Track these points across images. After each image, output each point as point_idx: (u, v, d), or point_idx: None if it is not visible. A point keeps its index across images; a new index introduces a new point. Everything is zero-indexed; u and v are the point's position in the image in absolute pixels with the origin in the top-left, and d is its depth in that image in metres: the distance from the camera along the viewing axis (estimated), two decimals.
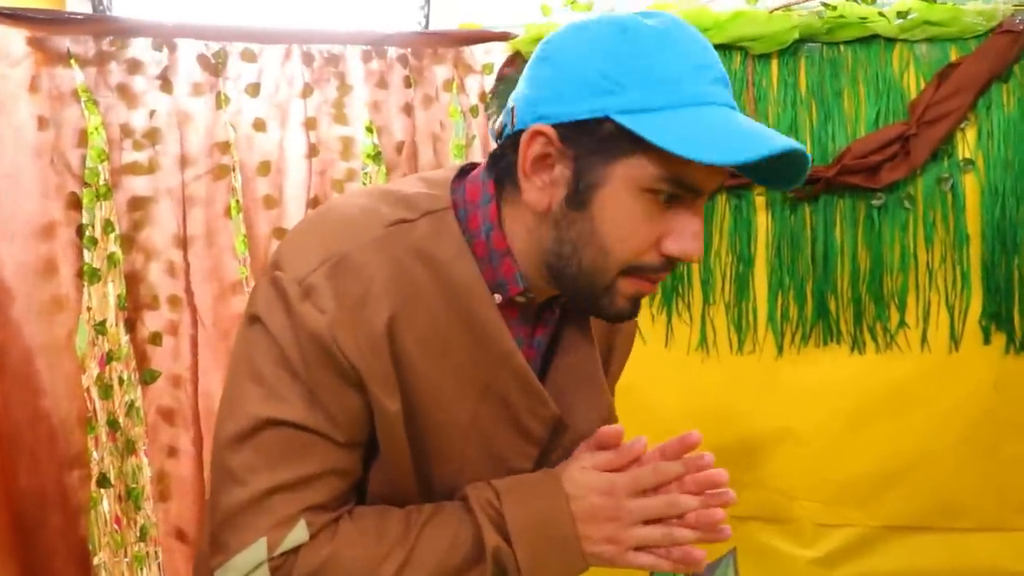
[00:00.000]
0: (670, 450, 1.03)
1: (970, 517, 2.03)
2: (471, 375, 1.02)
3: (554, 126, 0.94)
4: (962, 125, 2.00)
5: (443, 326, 0.99)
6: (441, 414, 1.01)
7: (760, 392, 2.06)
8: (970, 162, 1.99)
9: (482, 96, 2.13)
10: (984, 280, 2.00)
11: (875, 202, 2.01)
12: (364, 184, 2.12)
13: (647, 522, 1.02)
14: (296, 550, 0.96)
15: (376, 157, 2.10)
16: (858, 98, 2.04)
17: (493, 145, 1.07)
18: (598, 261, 0.96)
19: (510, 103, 1.01)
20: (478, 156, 2.17)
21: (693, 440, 1.02)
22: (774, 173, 0.98)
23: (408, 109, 2.07)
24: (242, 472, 0.96)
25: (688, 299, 2.07)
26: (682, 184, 0.93)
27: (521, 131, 0.96)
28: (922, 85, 2.01)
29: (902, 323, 2.02)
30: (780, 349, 2.06)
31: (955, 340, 2.01)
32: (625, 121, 0.90)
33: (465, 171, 1.07)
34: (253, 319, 0.98)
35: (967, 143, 2.00)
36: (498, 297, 1.02)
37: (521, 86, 1.00)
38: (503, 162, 1.00)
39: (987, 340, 2.00)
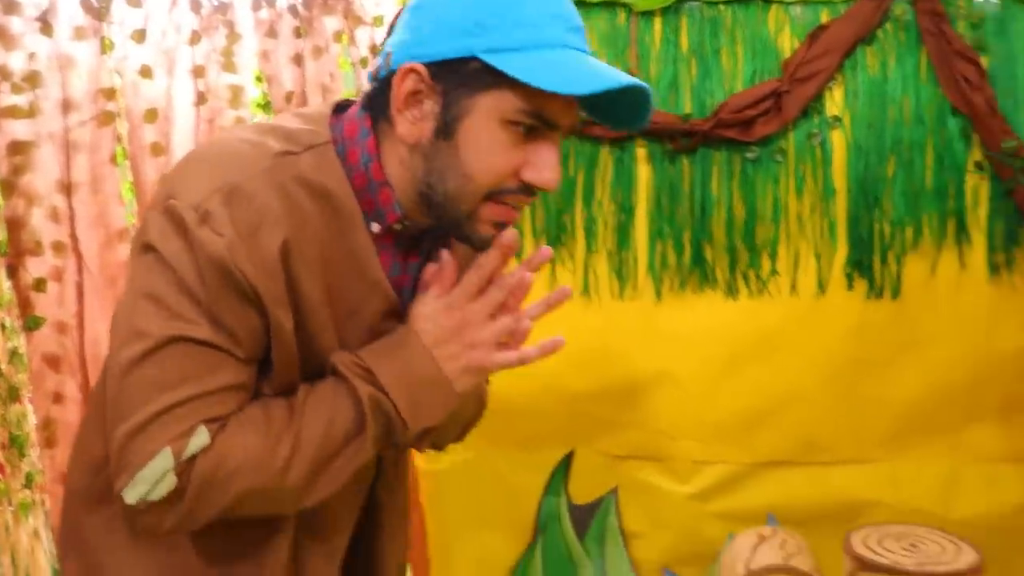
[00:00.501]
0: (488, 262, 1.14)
1: (832, 452, 2.16)
2: (346, 297, 1.10)
3: (425, 65, 1.02)
4: (830, 84, 2.10)
5: (326, 252, 1.07)
6: (323, 333, 1.09)
7: (640, 336, 2.14)
8: (837, 119, 2.10)
9: (372, 48, 2.17)
10: (849, 231, 2.11)
11: (749, 155, 2.11)
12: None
13: (496, 320, 1.12)
14: (195, 456, 1.01)
15: (266, 107, 2.12)
16: (736, 56, 2.13)
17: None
18: (463, 187, 1.05)
19: (386, 49, 1.08)
20: None
21: (508, 240, 1.13)
22: (622, 114, 1.08)
23: (298, 59, 2.09)
24: (145, 390, 1.01)
25: (571, 247, 2.14)
26: (540, 117, 1.02)
27: (395, 72, 1.04)
28: (795, 45, 2.11)
29: (773, 270, 2.13)
30: (659, 295, 2.15)
31: (821, 286, 2.13)
32: (489, 59, 1.01)
33: (340, 109, 1.14)
34: (146, 248, 1.03)
35: (835, 101, 2.11)
36: (376, 226, 1.11)
37: (396, 33, 1.08)
38: (378, 100, 1.09)
39: (850, 286, 2.12)
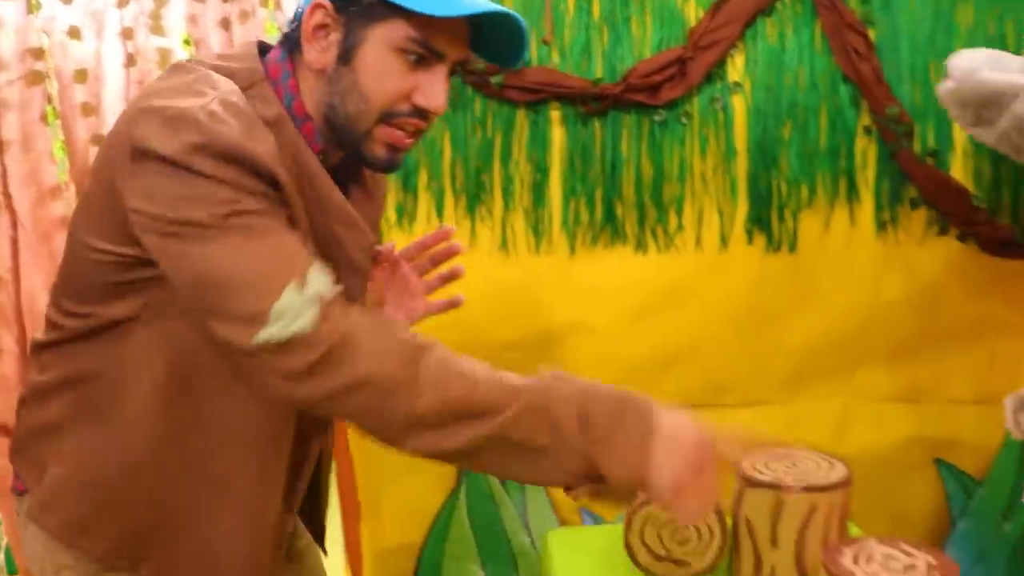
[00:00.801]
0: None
1: (736, 394, 2.32)
2: (311, 216, 1.20)
3: (331, 1, 1.15)
4: (732, 52, 2.23)
5: (291, 175, 1.17)
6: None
7: (555, 289, 2.27)
8: (738, 85, 2.24)
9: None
10: (749, 189, 2.26)
11: (656, 118, 2.24)
12: None
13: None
14: (333, 304, 1.07)
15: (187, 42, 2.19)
16: (644, 25, 2.25)
17: None
18: (360, 107, 1.18)
19: None
20: None
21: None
22: (502, 52, 1.22)
23: (225, 23, 2.16)
24: (230, 255, 1.06)
25: (490, 205, 2.26)
26: (426, 46, 1.17)
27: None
28: (700, 15, 2.24)
29: (679, 226, 2.27)
30: (573, 250, 2.28)
31: (724, 240, 2.28)
32: None
33: (261, 51, 1.25)
34: (146, 154, 1.07)
35: (736, 68, 2.25)
36: None
37: None
38: (293, 37, 1.22)
39: (751, 241, 2.27)
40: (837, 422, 2.35)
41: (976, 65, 1.78)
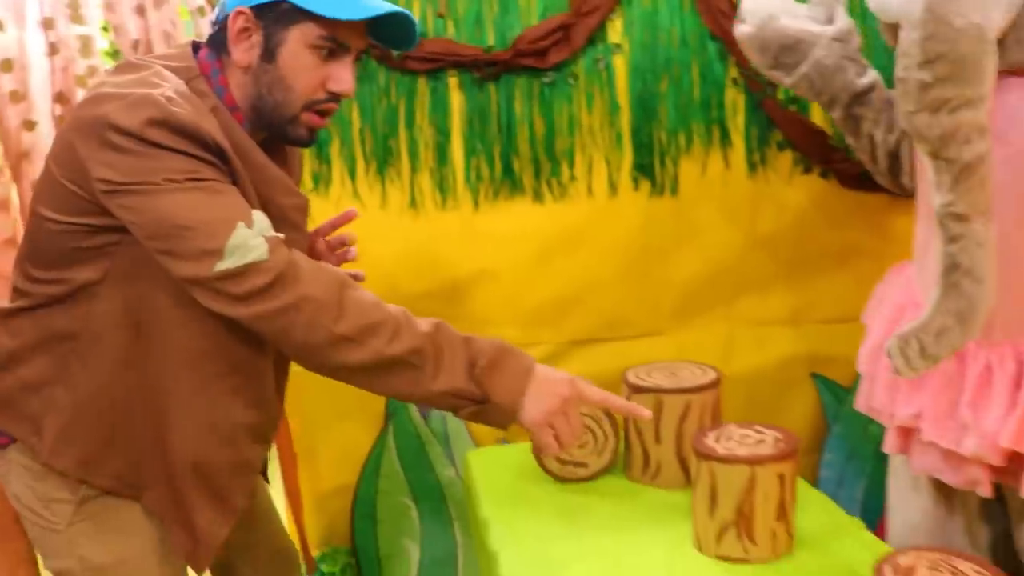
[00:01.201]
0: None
1: (631, 327, 2.57)
2: (254, 185, 1.42)
3: (250, 8, 1.38)
4: (611, 16, 2.45)
5: (236, 153, 1.39)
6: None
7: (462, 240, 2.48)
8: (618, 46, 2.46)
9: None
10: (632, 140, 2.49)
11: (545, 80, 2.46)
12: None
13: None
14: (280, 242, 1.31)
15: (114, 55, 2.35)
16: None
17: None
18: (285, 97, 1.40)
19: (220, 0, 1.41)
20: None
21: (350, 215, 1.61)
22: (398, 39, 1.44)
23: (140, 9, 2.32)
24: (188, 204, 1.28)
25: (398, 167, 2.46)
26: (335, 41, 1.39)
27: (229, 15, 1.40)
28: None
29: (572, 177, 2.50)
30: (476, 204, 2.49)
31: (613, 188, 2.51)
32: (295, 1, 1.36)
33: (195, 49, 1.46)
34: (104, 127, 1.28)
35: (616, 30, 2.46)
36: None
37: None
38: (219, 39, 1.43)
39: (636, 187, 2.51)
40: (723, 346, 2.60)
41: (772, 11, 1.95)
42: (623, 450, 2.03)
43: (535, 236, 2.51)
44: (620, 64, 2.47)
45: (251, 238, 1.28)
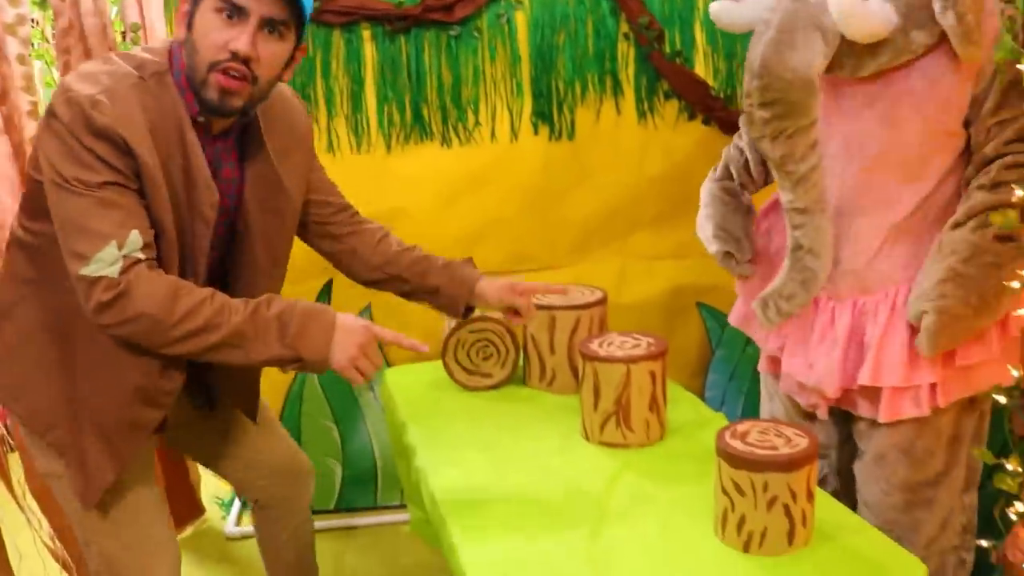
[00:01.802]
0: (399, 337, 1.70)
1: (533, 262, 2.80)
2: (178, 173, 1.60)
3: None
4: None
5: (165, 146, 1.57)
6: (162, 186, 1.58)
7: (376, 183, 2.68)
8: (519, 2, 2.67)
9: None
10: (532, 89, 2.71)
11: (452, 33, 2.66)
12: (34, 26, 2.49)
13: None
14: (137, 262, 1.51)
15: (42, 4, 2.47)
16: None
17: None
18: (195, 59, 1.57)
19: None
20: (132, 5, 2.61)
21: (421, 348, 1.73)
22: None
23: None
24: (86, 211, 1.49)
25: (316, 114, 2.64)
26: (232, 4, 1.53)
27: None
28: None
29: (476, 123, 2.72)
30: (389, 148, 2.70)
31: (515, 133, 2.73)
32: None
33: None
34: (51, 115, 1.50)
35: None
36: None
37: None
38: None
39: (536, 132, 2.74)
40: (617, 278, 2.86)
41: None
42: (523, 362, 2.29)
43: (443, 177, 2.72)
44: (521, 19, 2.68)
45: (114, 257, 1.49)
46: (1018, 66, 1.30)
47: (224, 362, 1.62)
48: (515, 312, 2.03)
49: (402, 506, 2.89)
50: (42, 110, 2.49)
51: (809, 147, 1.73)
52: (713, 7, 1.87)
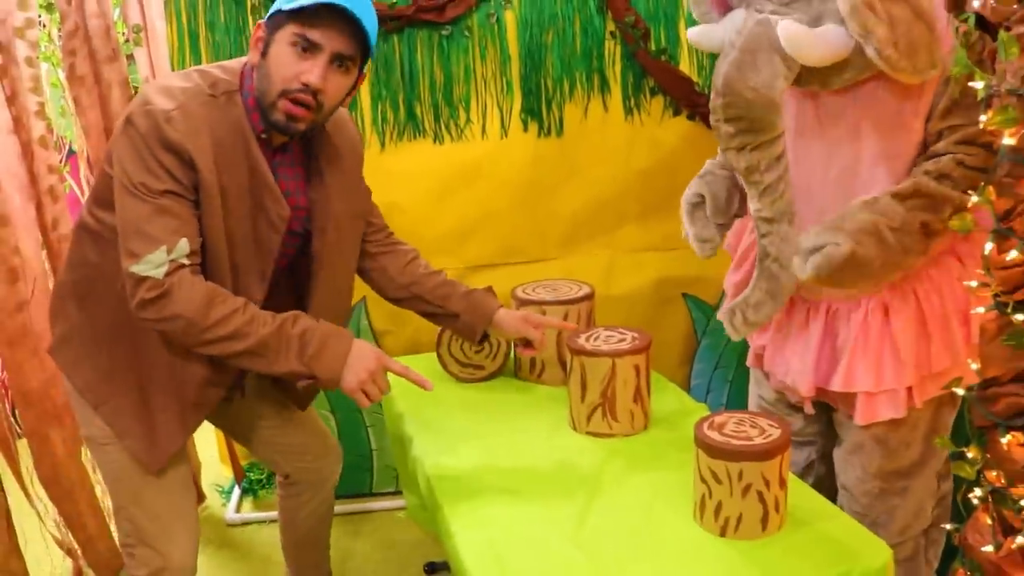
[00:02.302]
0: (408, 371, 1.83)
1: (523, 254, 2.89)
2: (243, 183, 1.74)
3: (264, 21, 1.72)
4: None
5: (232, 158, 1.71)
6: (217, 198, 1.72)
7: (371, 179, 2.66)
8: (508, 1, 2.75)
9: None
10: (522, 86, 2.79)
11: (444, 33, 2.74)
12: (41, 28, 2.56)
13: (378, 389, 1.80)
14: (181, 267, 1.66)
15: (49, 7, 2.54)
16: None
17: None
18: (267, 85, 1.71)
19: None
20: (134, 6, 2.68)
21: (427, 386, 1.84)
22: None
23: None
24: (145, 215, 1.65)
25: None
26: (305, 39, 1.67)
27: None
28: None
29: (468, 120, 2.80)
30: (383, 145, 2.78)
31: (505, 130, 2.82)
32: (283, 7, 1.68)
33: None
34: (128, 122, 1.65)
35: None
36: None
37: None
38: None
39: (525, 129, 2.82)
40: (605, 270, 2.95)
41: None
42: (513, 354, 2.38)
43: (436, 173, 2.81)
44: (510, 18, 2.76)
45: (162, 260, 1.64)
46: (971, 84, 1.38)
47: (246, 368, 1.78)
48: (528, 344, 2.14)
49: (397, 492, 2.99)
50: (48, 110, 2.57)
51: (774, 159, 1.82)
52: (691, 32, 1.96)
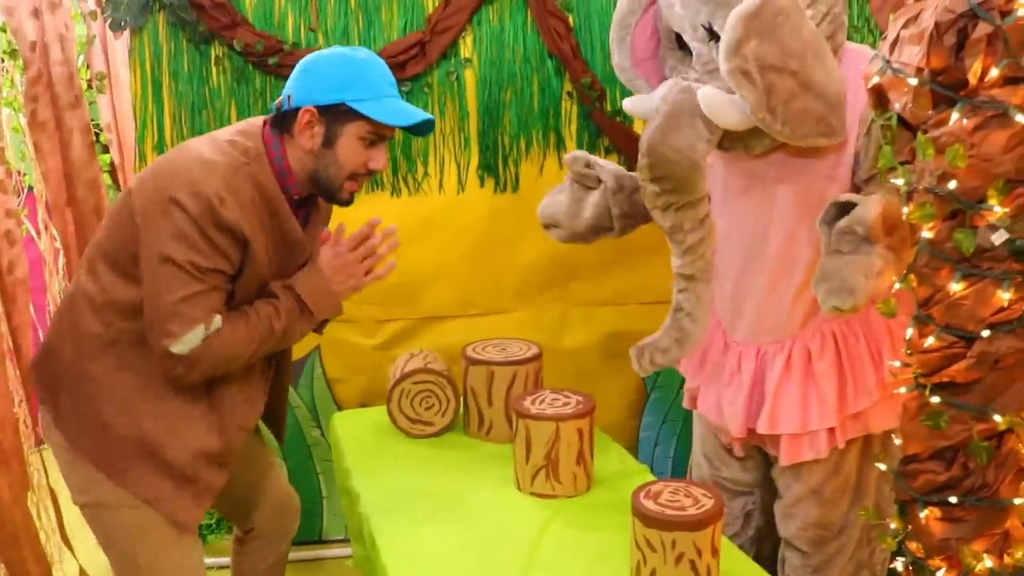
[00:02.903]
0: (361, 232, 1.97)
1: (478, 306, 2.94)
2: (276, 241, 1.84)
3: (315, 106, 1.81)
4: (462, 34, 2.81)
5: (268, 220, 1.82)
6: (264, 267, 1.83)
7: (330, 229, 2.80)
8: (468, 60, 2.82)
9: (98, 2, 2.65)
10: (479, 143, 2.85)
11: (404, 89, 2.79)
12: (4, 74, 2.59)
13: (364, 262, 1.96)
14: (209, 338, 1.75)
15: (13, 54, 2.57)
16: (392, 12, 2.78)
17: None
18: (337, 173, 1.85)
19: (287, 92, 1.86)
20: (99, 55, 2.72)
21: (374, 222, 1.97)
22: (420, 128, 1.89)
23: (37, 13, 2.54)
24: (178, 281, 1.72)
25: None
26: (377, 134, 1.83)
27: (296, 109, 1.83)
28: (436, 4, 2.79)
29: (426, 174, 2.86)
30: None
31: (462, 184, 2.87)
32: (353, 104, 1.80)
33: (265, 122, 1.88)
34: (173, 202, 1.71)
35: (467, 47, 2.82)
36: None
37: (293, 83, 1.86)
38: (283, 122, 1.86)
39: (482, 184, 2.88)
40: (558, 324, 3.01)
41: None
42: (463, 411, 2.43)
43: (393, 225, 2.84)
44: (470, 76, 2.83)
45: (199, 339, 1.73)
46: (892, 180, 1.47)
47: (275, 348, 1.91)
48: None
49: (346, 540, 3.01)
50: (9, 155, 2.59)
51: (698, 221, 1.92)
52: (626, 102, 2.07)
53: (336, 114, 1.81)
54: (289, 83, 1.87)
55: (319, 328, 1.99)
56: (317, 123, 1.82)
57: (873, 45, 2.60)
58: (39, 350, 1.94)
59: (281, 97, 1.88)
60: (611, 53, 2.15)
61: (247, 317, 1.82)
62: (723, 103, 1.81)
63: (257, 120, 1.92)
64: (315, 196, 1.96)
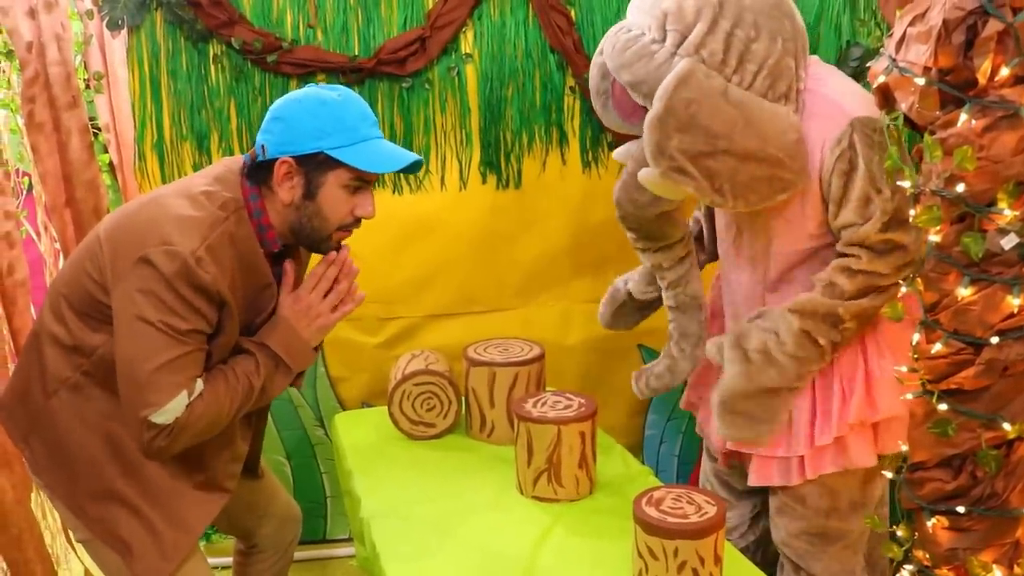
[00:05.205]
0: (315, 272, 1.85)
1: (481, 303, 2.92)
2: (251, 294, 1.76)
3: (292, 157, 1.71)
4: (463, 29, 2.77)
5: (245, 273, 1.74)
6: (239, 318, 1.75)
7: None
8: (469, 56, 2.79)
9: (95, 1, 2.62)
10: (481, 139, 2.82)
11: (404, 85, 2.77)
12: (0, 74, 2.56)
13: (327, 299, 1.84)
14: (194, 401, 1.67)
15: (9, 55, 2.54)
16: (392, 8, 2.75)
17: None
18: (322, 225, 1.76)
19: (260, 142, 1.76)
20: (96, 54, 2.69)
21: (330, 259, 1.84)
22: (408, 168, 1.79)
23: (33, 13, 2.51)
24: (157, 350, 1.62)
25: None
26: (361, 179, 1.75)
27: (273, 160, 1.73)
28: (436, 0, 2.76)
29: (427, 171, 2.83)
30: None
31: (463, 181, 2.85)
32: (332, 153, 1.71)
33: (242, 171, 1.79)
34: (145, 262, 1.61)
35: (467, 42, 2.79)
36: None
37: (266, 133, 1.75)
38: (261, 175, 1.76)
39: (484, 180, 2.85)
40: (561, 321, 2.98)
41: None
42: (464, 413, 2.40)
43: (395, 223, 2.82)
44: (471, 72, 2.79)
45: (181, 407, 1.63)
46: (899, 183, 1.44)
47: (256, 405, 1.83)
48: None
49: (350, 539, 2.99)
50: (7, 155, 2.57)
51: (676, 260, 2.03)
52: (615, 152, 2.10)
53: (315, 163, 1.72)
54: (262, 132, 1.78)
55: (295, 381, 1.89)
56: (296, 174, 1.73)
57: (880, 40, 2.56)
58: (6, 390, 1.87)
59: (255, 147, 1.79)
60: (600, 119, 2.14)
61: (225, 377, 1.72)
62: (658, 180, 1.83)
63: (234, 164, 1.82)
64: (296, 246, 1.88)
